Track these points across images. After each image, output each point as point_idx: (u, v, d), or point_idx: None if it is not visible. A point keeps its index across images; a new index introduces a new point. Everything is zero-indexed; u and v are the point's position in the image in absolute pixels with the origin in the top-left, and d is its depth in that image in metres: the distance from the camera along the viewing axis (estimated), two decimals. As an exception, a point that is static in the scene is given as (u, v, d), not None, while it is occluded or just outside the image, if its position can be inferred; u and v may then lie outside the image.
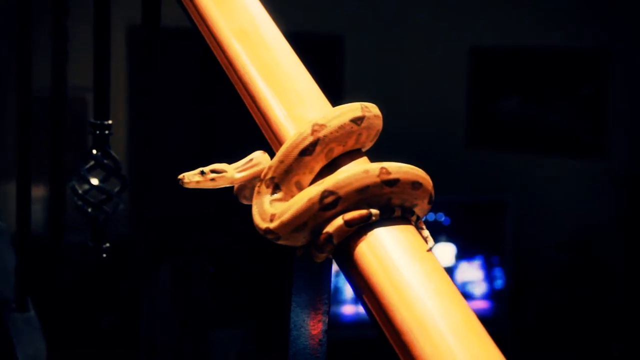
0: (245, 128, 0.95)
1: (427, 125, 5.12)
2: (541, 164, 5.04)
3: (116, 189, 1.26)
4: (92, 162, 1.23)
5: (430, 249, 0.77)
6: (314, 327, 0.85)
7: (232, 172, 0.87)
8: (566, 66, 5.02)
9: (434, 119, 5.16)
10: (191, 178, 0.86)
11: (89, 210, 1.23)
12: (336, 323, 4.35)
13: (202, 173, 0.86)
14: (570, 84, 5.03)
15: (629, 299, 4.58)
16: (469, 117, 5.24)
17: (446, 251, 4.65)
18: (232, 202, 0.94)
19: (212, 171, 0.86)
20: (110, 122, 1.23)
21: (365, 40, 5.23)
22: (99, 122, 1.23)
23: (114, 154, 1.24)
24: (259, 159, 0.87)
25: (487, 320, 4.53)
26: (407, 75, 5.27)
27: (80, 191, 1.22)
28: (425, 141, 4.94)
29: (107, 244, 1.26)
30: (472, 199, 4.77)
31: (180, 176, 0.86)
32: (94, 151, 1.23)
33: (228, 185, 0.87)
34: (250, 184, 0.88)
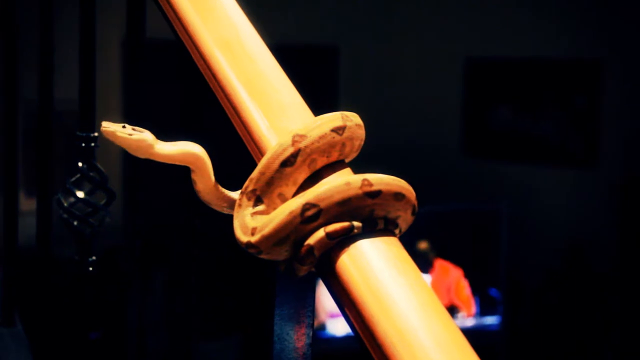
0: (233, 139, 0.94)
1: (422, 134, 5.12)
2: (535, 173, 5.04)
3: (102, 202, 1.25)
4: (78, 175, 1.22)
5: None
6: (297, 340, 0.84)
7: (155, 142, 0.85)
8: (560, 77, 5.03)
9: (429, 129, 5.16)
10: (111, 127, 0.84)
11: (75, 223, 1.22)
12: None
13: (124, 127, 0.84)
14: (564, 95, 5.04)
15: (622, 306, 4.57)
16: (464, 127, 5.24)
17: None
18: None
19: (134, 130, 0.85)
20: (96, 134, 1.22)
21: (360, 50, 5.24)
22: (84, 134, 1.22)
23: (100, 166, 1.23)
24: (189, 144, 0.87)
25: (481, 326, 4.54)
26: (403, 86, 5.27)
27: (65, 204, 1.21)
28: (420, 151, 4.94)
29: (94, 257, 1.25)
30: (467, 208, 4.77)
31: (104, 124, 0.84)
32: (80, 164, 1.22)
33: (146, 155, 0.85)
34: (200, 180, 0.87)
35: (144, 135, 0.85)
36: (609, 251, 4.72)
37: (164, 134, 0.93)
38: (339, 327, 4.34)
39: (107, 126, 0.84)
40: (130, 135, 0.84)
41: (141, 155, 0.85)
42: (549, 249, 4.89)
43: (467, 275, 4.63)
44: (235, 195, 0.90)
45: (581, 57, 4.95)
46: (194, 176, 0.88)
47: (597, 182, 4.85)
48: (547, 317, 4.73)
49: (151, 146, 0.85)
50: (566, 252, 4.81)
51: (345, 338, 4.30)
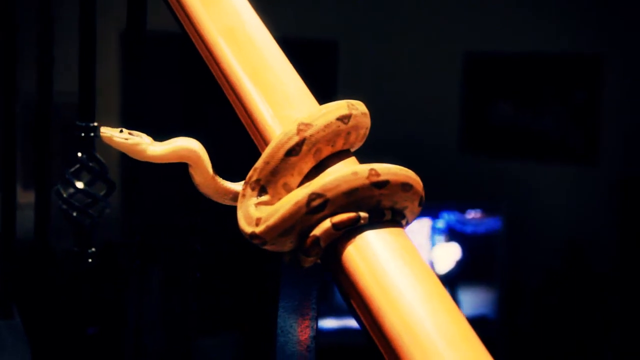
0: (236, 131, 0.93)
1: (420, 130, 5.10)
2: (535, 170, 5.03)
3: (102, 193, 1.23)
4: (77, 165, 1.21)
5: None
6: (301, 332, 0.83)
7: (149, 145, 0.86)
8: (560, 72, 5.02)
9: (428, 125, 5.14)
10: (108, 132, 0.85)
11: (74, 214, 1.20)
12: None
13: (121, 132, 0.85)
14: (563, 90, 5.02)
15: (622, 306, 4.56)
16: (462, 123, 5.23)
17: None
18: (219, 206, 0.92)
19: (130, 134, 0.85)
20: (95, 124, 1.21)
21: (359, 45, 5.22)
22: (84, 124, 1.20)
23: (99, 156, 1.21)
24: (182, 140, 0.86)
25: (480, 324, 4.53)
26: (401, 81, 5.25)
27: (65, 195, 1.20)
28: (418, 147, 4.92)
29: (93, 249, 1.23)
30: (466, 206, 4.75)
31: (102, 129, 0.85)
32: (79, 154, 1.20)
33: (143, 158, 0.86)
34: (197, 174, 0.87)
35: (139, 139, 0.85)
36: (609, 251, 4.70)
37: (165, 129, 0.92)
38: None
39: (105, 131, 0.85)
40: (127, 139, 0.85)
41: (138, 158, 0.86)
42: (549, 248, 4.87)
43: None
44: (235, 186, 0.89)
45: (581, 52, 4.93)
46: (191, 170, 0.87)
47: (597, 179, 4.83)
48: (547, 317, 4.71)
49: (145, 150, 0.85)
50: (566, 252, 4.80)
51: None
